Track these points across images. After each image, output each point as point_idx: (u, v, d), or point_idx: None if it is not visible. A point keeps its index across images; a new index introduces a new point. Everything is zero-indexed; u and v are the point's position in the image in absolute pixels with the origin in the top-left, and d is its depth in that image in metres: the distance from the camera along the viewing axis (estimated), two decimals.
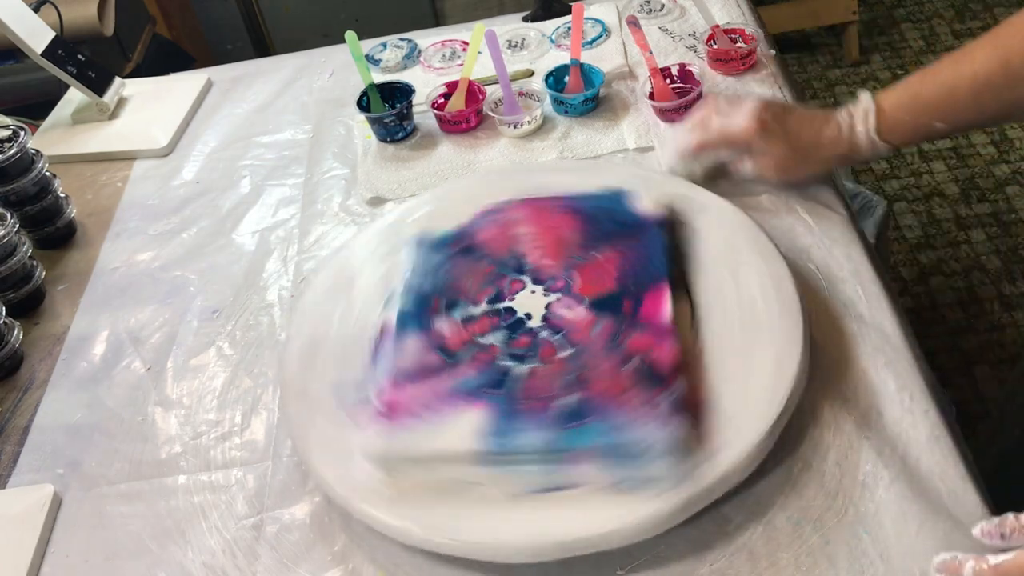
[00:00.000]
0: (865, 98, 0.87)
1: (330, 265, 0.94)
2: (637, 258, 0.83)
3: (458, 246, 0.89)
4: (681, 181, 0.95)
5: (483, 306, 0.83)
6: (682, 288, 0.82)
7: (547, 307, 0.82)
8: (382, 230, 0.96)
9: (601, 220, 0.88)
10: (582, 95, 1.12)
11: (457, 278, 0.85)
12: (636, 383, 0.72)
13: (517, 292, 0.83)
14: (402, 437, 0.72)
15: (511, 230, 0.89)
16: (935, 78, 0.83)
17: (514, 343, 0.79)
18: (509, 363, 0.77)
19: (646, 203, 0.88)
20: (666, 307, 0.77)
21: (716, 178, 0.96)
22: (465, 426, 0.72)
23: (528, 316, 0.81)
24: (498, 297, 0.83)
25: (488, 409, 0.73)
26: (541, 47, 1.28)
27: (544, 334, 0.79)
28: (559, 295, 0.82)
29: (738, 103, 0.90)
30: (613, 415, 0.70)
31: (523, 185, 0.96)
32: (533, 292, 0.83)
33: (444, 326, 0.81)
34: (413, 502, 0.71)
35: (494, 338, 0.79)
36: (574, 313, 0.80)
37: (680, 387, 0.71)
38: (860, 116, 0.86)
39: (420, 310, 0.83)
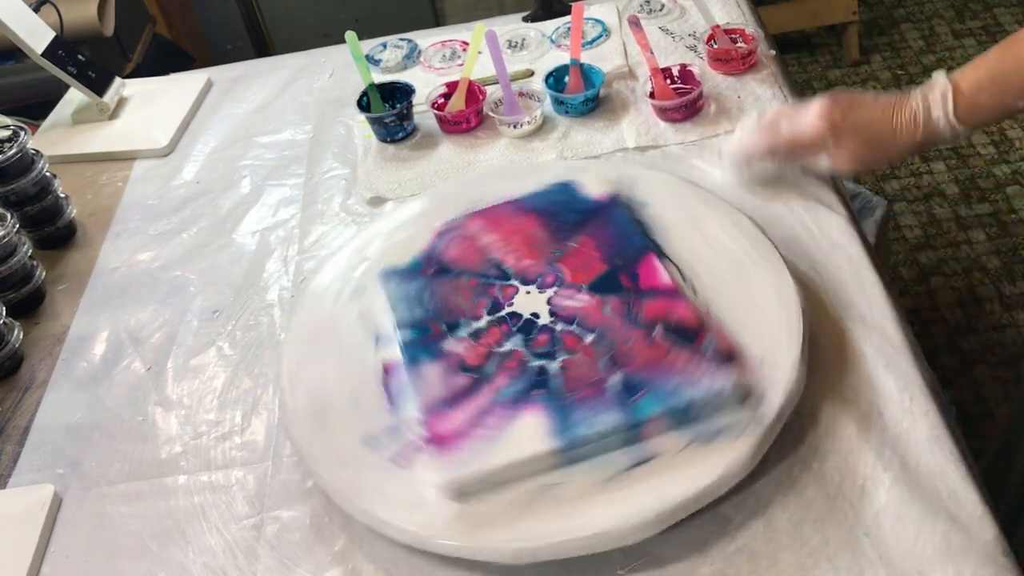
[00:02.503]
0: (941, 80, 0.82)
1: (298, 323, 0.89)
2: (612, 237, 0.86)
3: (430, 269, 0.88)
4: (611, 164, 0.99)
5: (485, 318, 0.82)
6: (662, 254, 0.86)
7: (549, 302, 0.82)
8: (340, 273, 0.92)
9: (561, 212, 0.91)
10: (582, 95, 1.12)
11: (446, 299, 0.84)
12: (672, 345, 0.74)
13: (512, 297, 0.84)
14: (469, 461, 0.70)
15: (477, 242, 0.89)
16: (1015, 54, 0.78)
17: (534, 344, 0.79)
18: (540, 362, 0.77)
19: (594, 188, 0.92)
20: (663, 272, 0.81)
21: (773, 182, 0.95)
22: (526, 432, 0.71)
23: (535, 316, 0.81)
24: (496, 306, 0.83)
25: (541, 410, 0.72)
26: (541, 47, 1.28)
27: (559, 327, 0.80)
28: (555, 288, 0.83)
29: (804, 106, 0.88)
30: (665, 380, 0.72)
31: (468, 198, 0.96)
32: (528, 292, 0.83)
33: (456, 347, 0.80)
34: (494, 525, 0.68)
35: (512, 344, 0.79)
36: (577, 301, 0.81)
37: (712, 339, 0.74)
38: (937, 101, 0.82)
39: (423, 338, 0.81)
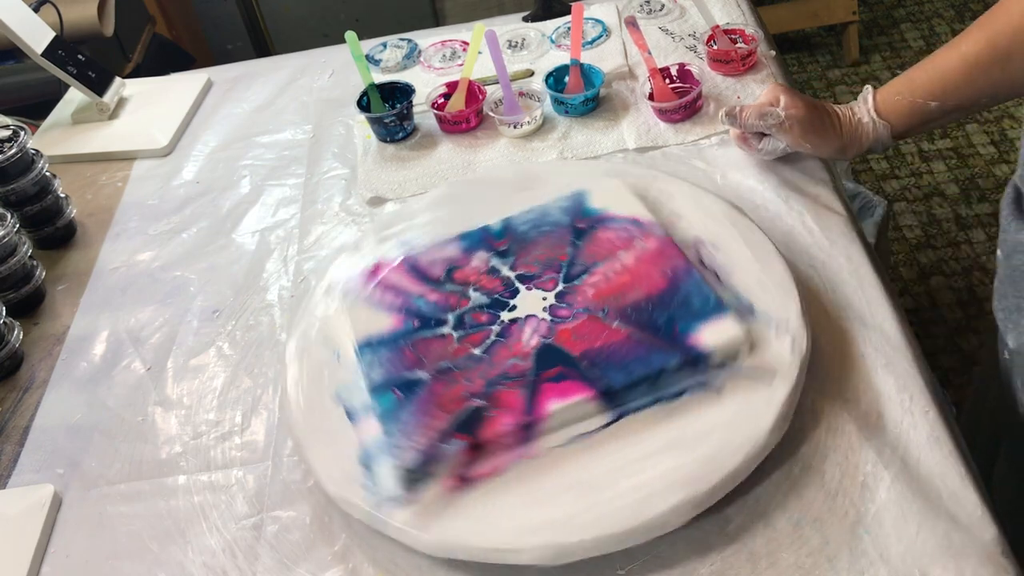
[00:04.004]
0: (866, 88, 0.95)
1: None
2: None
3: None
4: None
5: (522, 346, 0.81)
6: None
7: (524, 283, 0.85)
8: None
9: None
10: (582, 95, 1.12)
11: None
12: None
13: (511, 313, 0.84)
14: None
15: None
16: (929, 62, 0.88)
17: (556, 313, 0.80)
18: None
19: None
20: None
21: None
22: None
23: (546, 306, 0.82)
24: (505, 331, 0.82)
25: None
26: (541, 47, 1.28)
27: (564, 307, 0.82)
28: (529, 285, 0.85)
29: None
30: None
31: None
32: (516, 302, 0.84)
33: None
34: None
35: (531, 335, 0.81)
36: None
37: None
38: (861, 99, 0.94)
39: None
